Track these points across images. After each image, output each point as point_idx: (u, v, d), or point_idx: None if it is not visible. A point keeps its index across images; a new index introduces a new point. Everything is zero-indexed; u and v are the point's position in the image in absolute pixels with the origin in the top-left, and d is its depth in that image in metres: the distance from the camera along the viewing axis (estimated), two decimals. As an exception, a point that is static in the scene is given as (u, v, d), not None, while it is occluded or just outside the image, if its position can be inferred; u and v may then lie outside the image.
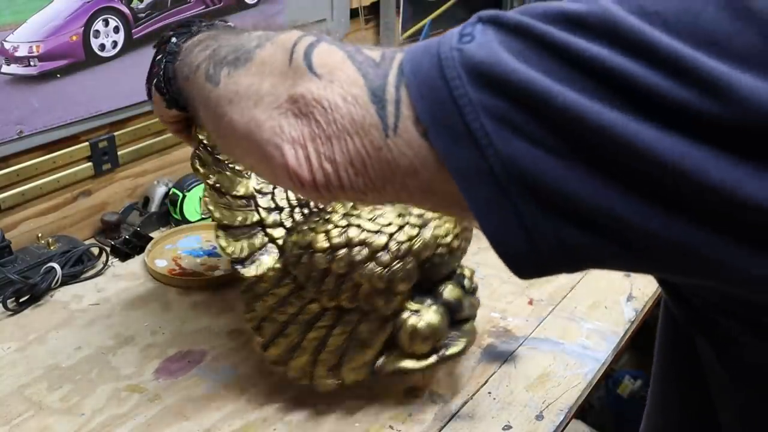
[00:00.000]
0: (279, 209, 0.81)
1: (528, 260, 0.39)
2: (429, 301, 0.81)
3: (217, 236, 0.80)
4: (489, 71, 0.38)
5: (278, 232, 0.80)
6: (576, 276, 1.10)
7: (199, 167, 0.80)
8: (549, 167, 0.37)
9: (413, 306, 0.80)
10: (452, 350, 0.82)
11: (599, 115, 0.35)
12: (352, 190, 0.45)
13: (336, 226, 0.76)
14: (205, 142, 0.80)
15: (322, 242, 0.76)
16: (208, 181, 0.81)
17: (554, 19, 0.38)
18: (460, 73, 0.39)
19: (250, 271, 0.79)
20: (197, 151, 0.80)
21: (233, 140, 0.52)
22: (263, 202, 0.81)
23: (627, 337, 0.99)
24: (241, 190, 0.81)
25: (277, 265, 0.79)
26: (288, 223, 0.81)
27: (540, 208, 0.38)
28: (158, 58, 0.68)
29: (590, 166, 0.36)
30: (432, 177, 0.41)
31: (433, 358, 0.81)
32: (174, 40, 0.66)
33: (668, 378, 0.59)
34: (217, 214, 0.80)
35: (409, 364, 0.81)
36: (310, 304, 0.79)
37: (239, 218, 0.80)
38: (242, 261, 0.79)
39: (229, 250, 0.79)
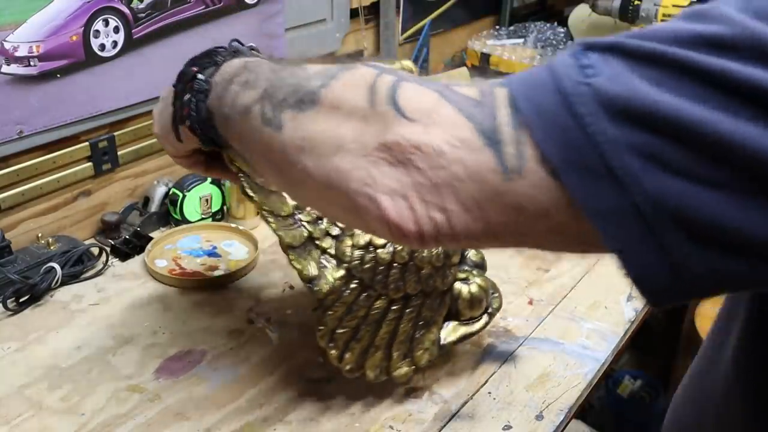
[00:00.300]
0: (320, 218, 0.81)
1: (669, 292, 0.38)
2: (466, 267, 0.87)
3: (291, 260, 0.79)
4: (629, 105, 0.36)
5: (327, 242, 0.80)
6: (576, 276, 1.10)
7: (252, 195, 0.77)
8: (704, 200, 0.35)
9: (461, 275, 0.86)
10: (495, 305, 0.89)
11: (761, 140, 0.34)
12: (466, 238, 0.43)
13: None
14: (244, 169, 0.76)
15: (380, 239, 0.78)
16: (264, 207, 0.78)
17: (692, 42, 0.36)
18: (595, 110, 0.37)
19: (324, 287, 0.79)
20: (242, 181, 0.76)
21: (310, 191, 0.49)
22: (304, 216, 0.81)
23: (627, 337, 0.99)
24: (286, 210, 0.80)
25: (341, 273, 0.79)
26: (334, 231, 0.81)
27: (692, 241, 0.36)
28: (187, 98, 0.62)
29: (752, 194, 0.35)
30: (564, 217, 0.39)
31: (485, 317, 0.88)
32: (201, 76, 0.61)
33: (749, 369, 0.57)
34: (287, 239, 0.78)
35: (467, 330, 0.87)
36: (376, 302, 0.80)
37: (297, 237, 0.80)
38: (313, 280, 0.79)
39: (306, 272, 0.78)
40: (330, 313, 0.79)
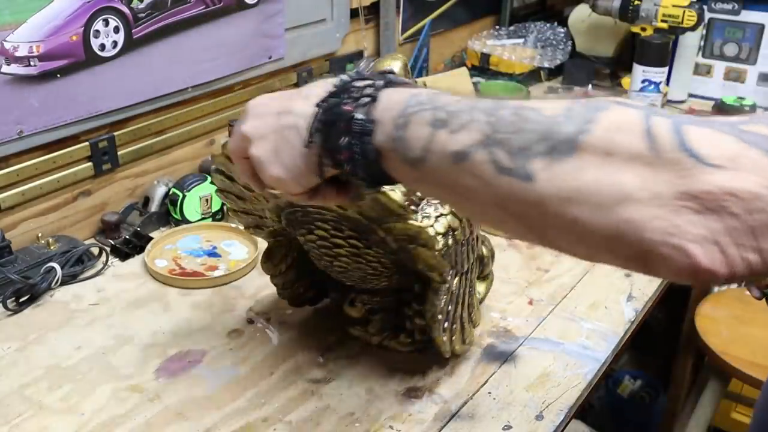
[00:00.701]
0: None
1: None
2: None
3: (439, 257, 0.81)
4: None
5: None
6: (576, 276, 1.10)
7: (405, 204, 0.77)
8: None
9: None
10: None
11: None
12: None
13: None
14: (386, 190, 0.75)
15: (453, 220, 0.81)
16: (414, 215, 0.79)
17: None
18: None
19: (452, 281, 0.83)
20: (388, 194, 0.75)
21: (576, 239, 0.48)
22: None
23: (627, 337, 0.99)
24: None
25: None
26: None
27: None
28: (344, 141, 0.56)
29: None
30: None
31: (492, 273, 0.98)
32: (359, 116, 0.55)
33: None
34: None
35: (487, 283, 0.98)
36: (454, 281, 0.84)
37: None
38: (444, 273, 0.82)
39: (444, 267, 0.82)
40: (441, 305, 0.83)
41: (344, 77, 0.59)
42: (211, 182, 1.22)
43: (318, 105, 0.58)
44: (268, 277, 0.96)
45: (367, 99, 0.56)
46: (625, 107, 0.46)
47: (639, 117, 0.45)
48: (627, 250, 0.45)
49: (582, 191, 0.45)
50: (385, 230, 0.79)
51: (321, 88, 0.60)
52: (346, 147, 0.56)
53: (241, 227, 1.19)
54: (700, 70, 1.90)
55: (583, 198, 0.45)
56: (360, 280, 0.88)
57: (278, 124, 0.61)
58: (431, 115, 0.52)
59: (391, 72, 0.60)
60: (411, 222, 0.77)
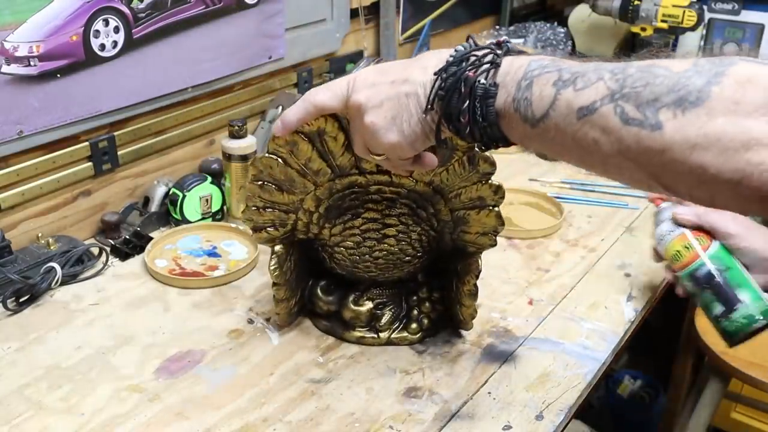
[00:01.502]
0: None
1: None
2: None
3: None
4: None
5: None
6: (576, 276, 1.10)
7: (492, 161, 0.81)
8: None
9: None
10: None
11: None
12: None
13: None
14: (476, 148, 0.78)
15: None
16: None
17: None
18: None
19: None
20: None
21: (699, 182, 0.50)
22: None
23: (627, 337, 0.99)
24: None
25: None
26: None
27: None
28: (466, 105, 0.60)
29: None
30: None
31: None
32: (483, 81, 0.59)
33: None
34: None
35: None
36: None
37: None
38: None
39: None
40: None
41: (459, 48, 0.63)
42: (211, 182, 1.22)
43: (437, 73, 0.62)
44: (268, 276, 0.96)
45: (488, 65, 0.60)
46: (752, 62, 0.49)
47: (760, 71, 0.48)
48: (749, 191, 0.48)
49: (709, 137, 0.48)
50: (448, 199, 0.85)
51: (435, 58, 0.64)
52: (467, 111, 0.60)
53: (241, 227, 1.19)
54: (700, 70, 1.90)
55: (710, 143, 0.48)
56: (393, 266, 0.91)
57: (395, 92, 0.65)
58: (555, 75, 0.56)
59: (508, 42, 0.62)
60: (492, 181, 0.81)
